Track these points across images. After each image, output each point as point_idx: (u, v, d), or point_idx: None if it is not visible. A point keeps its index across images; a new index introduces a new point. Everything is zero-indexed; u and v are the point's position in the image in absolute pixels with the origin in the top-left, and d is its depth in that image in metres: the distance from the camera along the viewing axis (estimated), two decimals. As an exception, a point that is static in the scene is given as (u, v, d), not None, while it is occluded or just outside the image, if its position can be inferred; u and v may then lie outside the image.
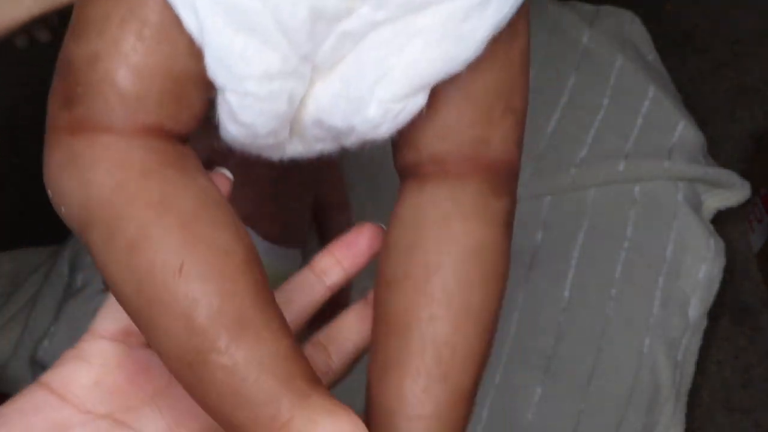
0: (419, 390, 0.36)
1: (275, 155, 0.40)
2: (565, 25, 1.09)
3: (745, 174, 1.09)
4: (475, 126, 0.38)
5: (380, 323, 0.39)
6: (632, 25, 1.12)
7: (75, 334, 1.06)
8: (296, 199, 0.99)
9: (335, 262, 0.43)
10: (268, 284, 0.33)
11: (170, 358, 0.30)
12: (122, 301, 0.31)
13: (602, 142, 1.03)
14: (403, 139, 0.39)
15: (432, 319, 0.37)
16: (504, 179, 0.42)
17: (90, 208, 0.31)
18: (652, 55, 1.12)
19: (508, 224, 0.42)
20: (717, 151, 1.17)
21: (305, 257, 1.00)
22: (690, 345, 0.99)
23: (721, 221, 1.09)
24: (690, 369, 1.00)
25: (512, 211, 0.42)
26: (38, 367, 0.99)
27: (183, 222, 0.31)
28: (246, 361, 0.29)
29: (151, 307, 0.30)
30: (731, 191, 1.06)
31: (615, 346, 0.94)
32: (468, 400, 0.37)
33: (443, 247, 0.38)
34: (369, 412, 0.38)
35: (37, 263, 1.08)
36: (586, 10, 1.12)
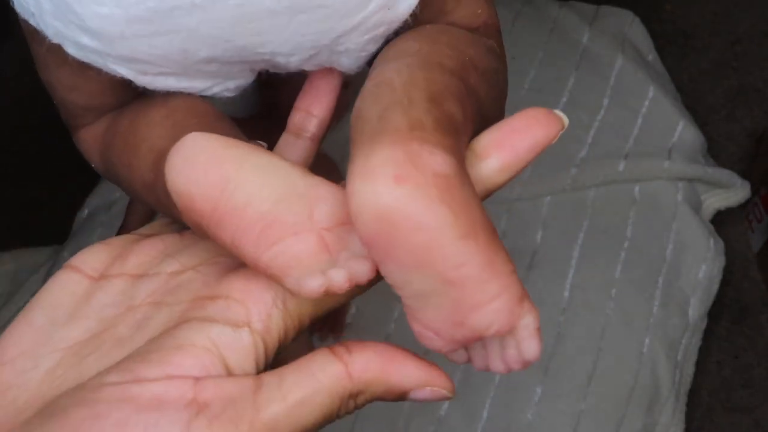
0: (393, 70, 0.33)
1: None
2: (565, 25, 1.09)
3: (745, 174, 1.09)
4: (435, 19, 0.38)
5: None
6: (632, 25, 1.12)
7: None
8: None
9: (305, 114, 0.43)
10: (194, 119, 0.37)
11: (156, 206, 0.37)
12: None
13: (602, 142, 1.03)
14: None
15: (410, 41, 0.36)
16: (485, 34, 0.39)
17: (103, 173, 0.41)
18: (652, 55, 1.12)
19: (494, 49, 0.38)
20: (717, 151, 1.17)
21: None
22: (690, 345, 0.99)
23: (721, 221, 1.09)
24: (690, 369, 1.00)
25: (499, 45, 0.39)
26: (38, 367, 0.99)
27: (124, 132, 0.38)
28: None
29: (136, 192, 0.39)
30: (731, 191, 1.06)
31: (615, 346, 0.94)
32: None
33: (425, 34, 0.37)
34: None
35: (37, 263, 1.08)
36: (586, 10, 1.12)
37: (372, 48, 0.37)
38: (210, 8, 0.32)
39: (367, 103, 0.31)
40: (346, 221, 0.31)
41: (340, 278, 0.30)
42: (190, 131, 0.32)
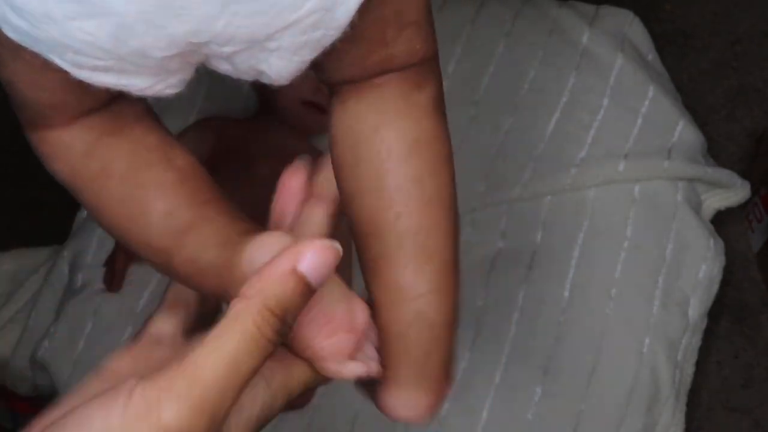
0: (411, 275, 0.41)
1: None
2: (565, 25, 1.09)
3: (745, 174, 1.09)
4: (373, 54, 0.39)
5: (354, 232, 0.44)
6: (632, 25, 1.12)
7: (75, 334, 1.07)
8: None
9: (283, 216, 0.47)
10: (206, 186, 0.42)
11: (152, 264, 0.41)
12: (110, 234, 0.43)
13: (602, 142, 1.03)
14: (313, 66, 0.40)
15: (398, 217, 0.41)
16: (422, 70, 0.43)
17: (65, 185, 0.41)
18: (651, 55, 1.12)
19: (437, 109, 0.43)
20: (717, 151, 1.17)
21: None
22: (690, 345, 0.99)
23: (721, 221, 1.09)
24: (690, 369, 1.00)
25: (439, 94, 0.43)
26: (38, 366, 0.99)
27: (122, 179, 0.40)
28: (193, 253, 0.40)
29: (126, 240, 0.41)
30: (731, 191, 1.06)
31: (615, 346, 0.94)
32: (455, 269, 0.42)
33: (383, 155, 0.42)
34: (373, 302, 0.44)
35: (37, 263, 1.08)
36: (586, 10, 1.12)
37: (306, 55, 0.37)
38: None
39: (409, 338, 0.42)
40: (368, 326, 0.41)
41: (361, 369, 0.41)
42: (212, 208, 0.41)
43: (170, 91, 0.38)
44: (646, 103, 1.05)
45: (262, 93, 1.04)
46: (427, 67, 0.42)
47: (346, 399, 0.93)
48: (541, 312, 0.95)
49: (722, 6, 1.27)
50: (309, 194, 0.46)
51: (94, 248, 1.01)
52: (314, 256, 0.38)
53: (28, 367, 1.01)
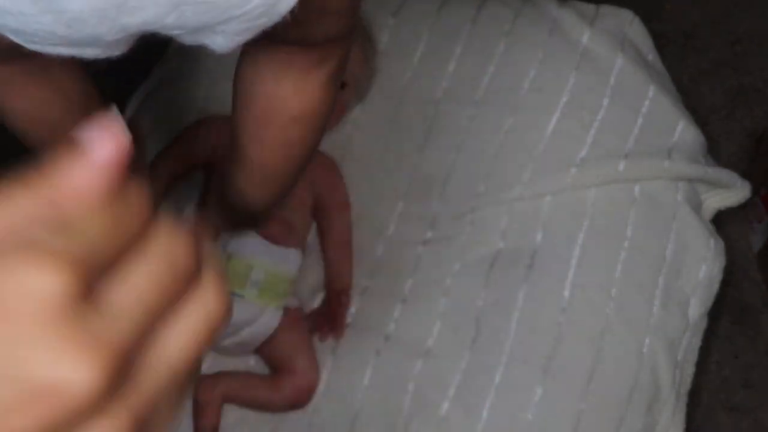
0: (258, 190, 0.60)
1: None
2: (565, 25, 1.09)
3: (745, 174, 1.09)
4: (292, 31, 0.43)
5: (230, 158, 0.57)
6: (632, 25, 1.12)
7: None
8: (296, 200, 0.99)
9: None
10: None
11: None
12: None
13: (602, 142, 1.03)
14: None
15: (263, 158, 0.57)
16: (328, 47, 0.49)
17: None
18: (652, 55, 1.12)
19: (331, 81, 0.52)
20: (717, 151, 1.17)
21: (305, 257, 1.01)
22: (690, 345, 0.99)
23: (721, 221, 1.09)
24: (690, 369, 1.00)
25: (338, 68, 0.51)
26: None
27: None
28: None
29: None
30: (731, 191, 1.06)
31: (615, 346, 0.94)
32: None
33: (268, 117, 0.52)
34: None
35: (37, 263, 1.08)
36: (586, 10, 1.12)
37: (248, 36, 0.40)
38: None
39: None
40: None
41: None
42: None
43: (115, 54, 0.40)
44: (647, 103, 1.05)
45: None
46: (334, 44, 0.49)
47: (346, 399, 0.93)
48: (541, 312, 0.95)
49: (722, 6, 1.27)
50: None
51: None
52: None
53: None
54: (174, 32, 0.38)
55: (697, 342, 1.01)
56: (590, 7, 1.12)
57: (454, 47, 1.07)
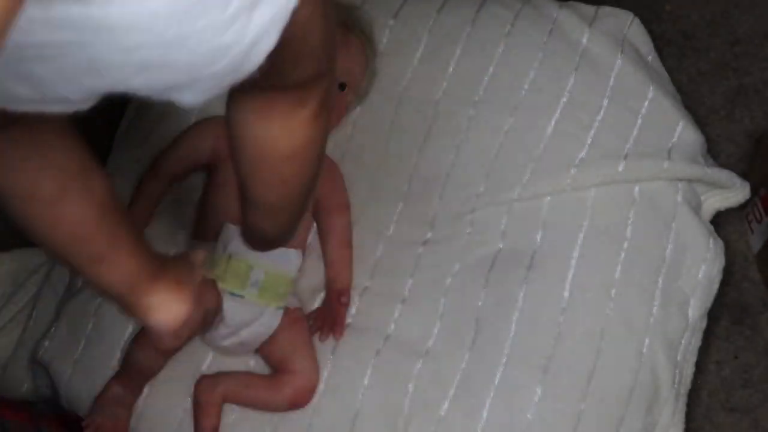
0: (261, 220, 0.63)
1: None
2: (565, 25, 1.09)
3: (744, 174, 1.09)
4: (268, 80, 0.44)
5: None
6: (632, 26, 1.12)
7: (75, 334, 1.07)
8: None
9: None
10: (119, 217, 0.53)
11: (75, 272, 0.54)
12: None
13: (602, 142, 1.03)
14: None
15: (263, 193, 0.59)
16: (308, 88, 0.50)
17: None
18: (651, 55, 1.12)
19: (317, 118, 0.52)
20: (717, 151, 1.17)
21: (305, 257, 1.01)
22: (690, 345, 1.00)
23: (721, 221, 1.09)
24: (690, 369, 1.00)
25: (320, 105, 0.52)
26: (38, 367, 0.99)
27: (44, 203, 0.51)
28: (101, 283, 0.54)
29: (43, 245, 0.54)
30: (731, 191, 1.06)
31: (615, 346, 0.94)
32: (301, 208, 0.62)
33: (262, 157, 0.54)
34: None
35: (37, 263, 1.08)
36: (586, 11, 1.12)
37: (216, 91, 0.40)
38: (60, 59, 0.34)
39: None
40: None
41: None
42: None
43: (83, 109, 0.40)
44: (646, 103, 1.05)
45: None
46: (314, 84, 0.49)
47: (346, 399, 0.93)
48: (541, 312, 0.95)
49: (722, 7, 1.27)
50: None
51: (94, 248, 1.01)
52: None
53: (27, 367, 1.01)
54: (141, 93, 0.39)
55: (696, 342, 1.01)
56: (590, 8, 1.13)
57: (453, 48, 1.07)
